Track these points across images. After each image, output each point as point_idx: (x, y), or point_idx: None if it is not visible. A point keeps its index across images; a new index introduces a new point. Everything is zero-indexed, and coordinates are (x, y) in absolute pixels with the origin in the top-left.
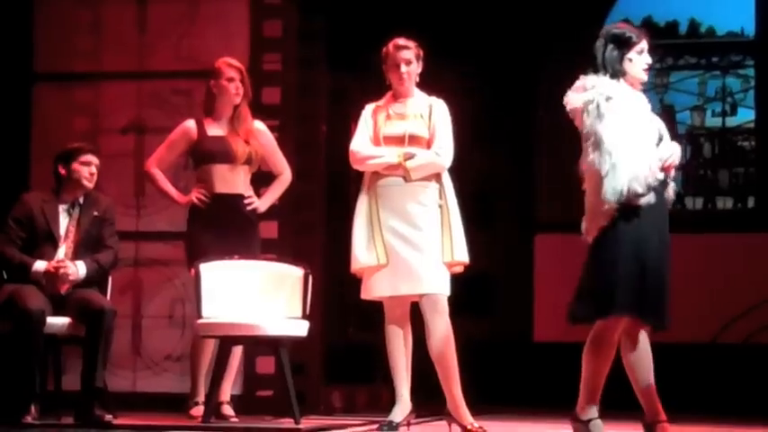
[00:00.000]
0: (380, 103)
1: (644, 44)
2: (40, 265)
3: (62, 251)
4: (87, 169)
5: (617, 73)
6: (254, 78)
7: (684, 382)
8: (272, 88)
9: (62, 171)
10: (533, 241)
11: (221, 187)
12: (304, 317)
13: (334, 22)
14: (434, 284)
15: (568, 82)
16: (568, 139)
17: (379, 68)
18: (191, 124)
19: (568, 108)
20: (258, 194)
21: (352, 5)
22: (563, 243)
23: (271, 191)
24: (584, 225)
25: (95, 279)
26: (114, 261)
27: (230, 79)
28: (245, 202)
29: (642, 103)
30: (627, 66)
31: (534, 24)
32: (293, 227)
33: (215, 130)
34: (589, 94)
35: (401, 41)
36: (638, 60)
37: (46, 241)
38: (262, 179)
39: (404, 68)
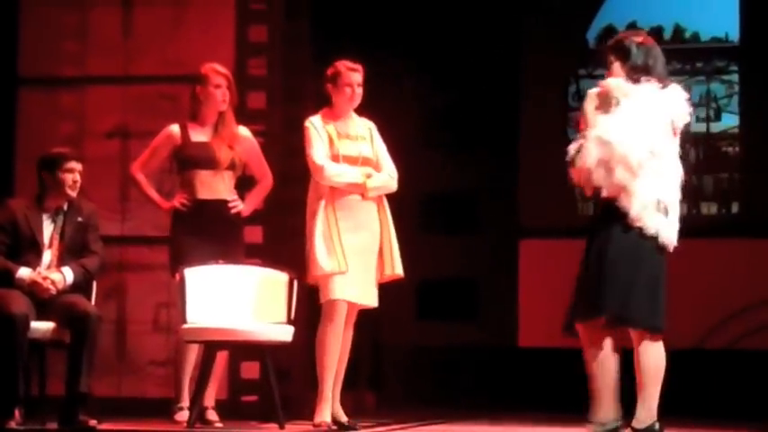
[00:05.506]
0: (323, 118)
1: None
2: (24, 273)
3: (47, 258)
4: (71, 177)
5: None
6: (240, 83)
7: (670, 388)
8: (257, 93)
9: (45, 178)
10: (518, 246)
11: (204, 193)
12: (289, 322)
13: (320, 27)
14: (376, 298)
15: (551, 87)
16: (553, 145)
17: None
18: (174, 129)
19: None
20: (242, 199)
21: (337, 10)
22: (547, 248)
23: (252, 196)
24: None
25: (82, 285)
26: (100, 266)
27: (217, 86)
28: (230, 205)
29: None
30: None
31: (517, 31)
32: (278, 232)
33: (199, 135)
34: None
35: (351, 64)
36: None
37: (30, 248)
38: (244, 184)
39: (358, 90)
